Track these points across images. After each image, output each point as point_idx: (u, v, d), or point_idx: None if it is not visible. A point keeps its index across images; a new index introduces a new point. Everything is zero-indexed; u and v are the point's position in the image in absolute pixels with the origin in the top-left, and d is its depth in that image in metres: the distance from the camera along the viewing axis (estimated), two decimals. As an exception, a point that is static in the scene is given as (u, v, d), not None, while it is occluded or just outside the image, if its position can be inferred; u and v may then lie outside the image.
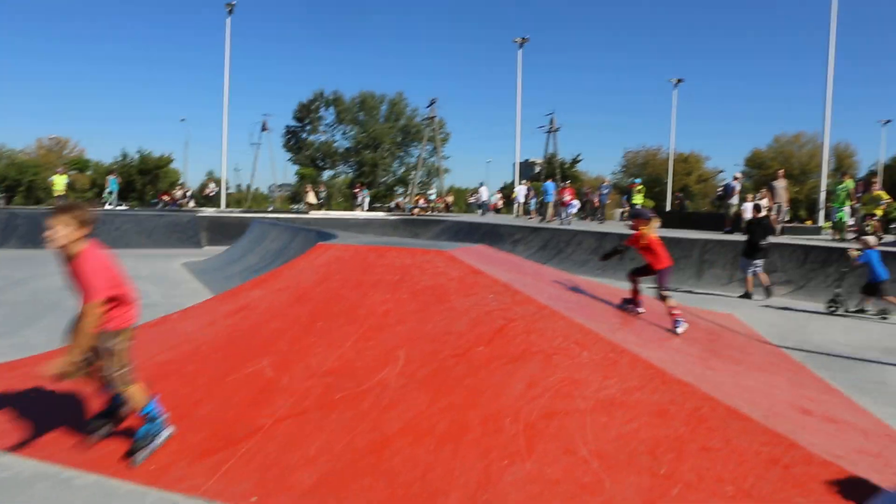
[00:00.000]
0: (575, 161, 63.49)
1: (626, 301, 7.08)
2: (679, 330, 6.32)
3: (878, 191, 16.25)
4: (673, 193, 47.37)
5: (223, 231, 21.58)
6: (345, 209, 41.80)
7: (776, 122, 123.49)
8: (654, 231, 6.91)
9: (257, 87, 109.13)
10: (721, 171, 72.11)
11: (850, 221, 16.37)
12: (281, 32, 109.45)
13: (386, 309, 5.53)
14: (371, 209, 39.74)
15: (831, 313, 10.67)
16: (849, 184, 16.53)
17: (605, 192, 27.89)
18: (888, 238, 16.45)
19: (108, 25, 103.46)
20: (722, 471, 3.37)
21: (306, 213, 31.63)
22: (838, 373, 6.43)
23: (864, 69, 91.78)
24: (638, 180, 27.76)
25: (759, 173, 64.48)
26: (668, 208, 42.12)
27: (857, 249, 11.01)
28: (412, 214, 31.47)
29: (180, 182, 53.78)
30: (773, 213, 17.07)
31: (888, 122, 58.90)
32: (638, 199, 24.86)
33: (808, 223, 18.59)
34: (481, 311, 5.29)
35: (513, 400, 4.10)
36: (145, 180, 58.68)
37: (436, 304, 5.53)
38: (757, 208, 18.17)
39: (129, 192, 56.44)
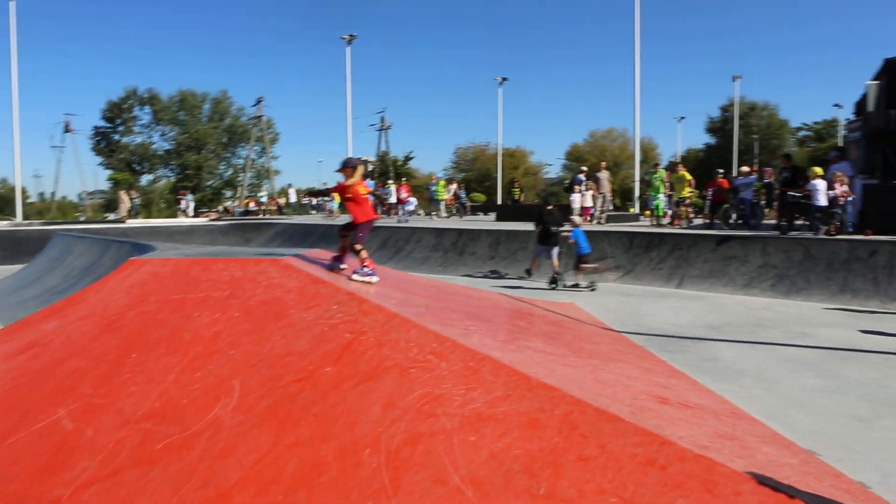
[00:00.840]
0: (408, 158, 63.95)
1: (334, 259, 6.69)
2: (366, 279, 6.12)
3: (682, 171, 17.69)
4: (511, 184, 48.96)
5: (18, 247, 18.85)
6: (168, 216, 38.64)
7: (591, 119, 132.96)
8: (359, 180, 6.47)
9: (56, 85, 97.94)
10: (549, 165, 76.29)
11: (666, 208, 17.64)
12: (78, 28, 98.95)
13: (215, 331, 4.80)
14: (197, 214, 37.08)
15: (553, 289, 11.92)
16: (662, 173, 17.91)
17: (434, 188, 28.12)
18: (697, 222, 17.93)
19: None
20: (602, 480, 3.13)
21: (123, 222, 28.78)
22: (677, 353, 6.65)
23: (662, 70, 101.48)
24: (440, 174, 28.64)
25: (579, 166, 68.90)
26: (499, 201, 43.54)
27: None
28: (248, 217, 29.69)
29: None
30: (600, 202, 18.02)
31: (683, 118, 65.60)
32: (442, 195, 25.72)
33: (632, 210, 19.88)
34: (326, 326, 4.74)
35: (370, 426, 3.61)
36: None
37: (274, 321, 4.89)
38: (546, 201, 19.12)
39: None
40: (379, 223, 21.68)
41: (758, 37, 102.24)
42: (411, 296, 6.32)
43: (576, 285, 12.09)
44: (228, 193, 57.18)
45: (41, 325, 5.18)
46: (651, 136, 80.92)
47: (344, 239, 6.58)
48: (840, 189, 12.44)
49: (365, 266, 6.27)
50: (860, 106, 17.19)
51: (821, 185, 12.70)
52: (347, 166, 6.35)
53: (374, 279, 6.21)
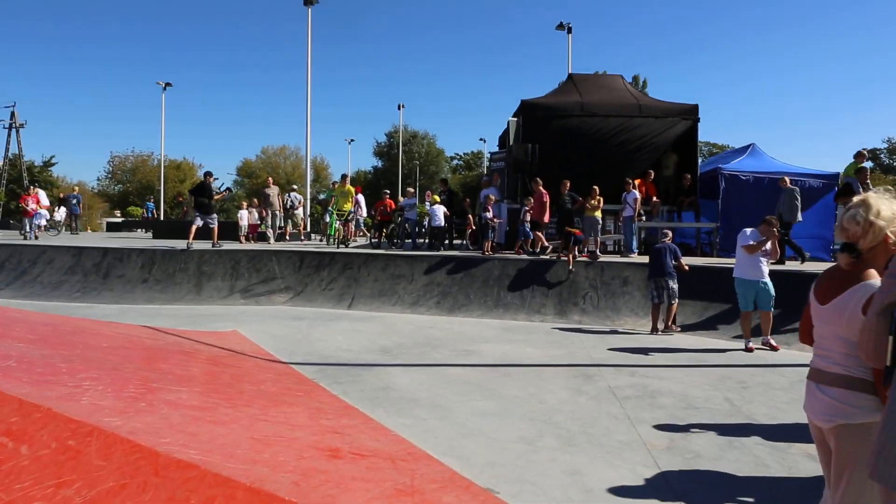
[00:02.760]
0: (48, 164, 54.84)
1: None
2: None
3: (347, 185, 17.10)
4: (174, 199, 44.61)
5: None
6: None
7: (263, 137, 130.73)
8: None
9: None
10: (217, 179, 72.23)
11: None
12: None
13: None
14: None
15: None
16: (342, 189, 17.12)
17: (75, 201, 24.12)
18: (361, 241, 18.07)
19: None
20: None
21: None
22: (349, 385, 6.10)
23: (333, 93, 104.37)
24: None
25: (251, 182, 66.73)
26: (162, 217, 39.48)
27: None
28: None
29: None
30: (268, 219, 16.99)
31: (353, 140, 68.13)
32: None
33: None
34: None
35: None
36: None
37: None
38: (252, 214, 17.95)
39: None
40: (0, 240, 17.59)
41: (420, 75, 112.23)
42: (3, 341, 4.65)
43: None
44: None
45: None
46: (323, 156, 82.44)
47: None
48: (490, 213, 13.52)
49: None
50: (503, 139, 19.30)
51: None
52: None
53: None
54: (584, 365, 7.33)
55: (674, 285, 9.45)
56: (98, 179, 65.21)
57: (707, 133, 71.17)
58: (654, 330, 9.61)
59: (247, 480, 2.87)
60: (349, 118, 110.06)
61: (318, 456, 3.67)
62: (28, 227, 18.87)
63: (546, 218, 13.26)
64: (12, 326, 5.26)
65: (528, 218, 13.31)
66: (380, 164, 70.44)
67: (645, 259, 10.90)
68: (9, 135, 48.13)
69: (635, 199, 13.26)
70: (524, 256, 12.75)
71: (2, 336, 4.78)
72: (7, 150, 48.37)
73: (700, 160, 16.95)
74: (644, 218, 14.05)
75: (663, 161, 15.21)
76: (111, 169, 65.94)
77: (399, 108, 55.84)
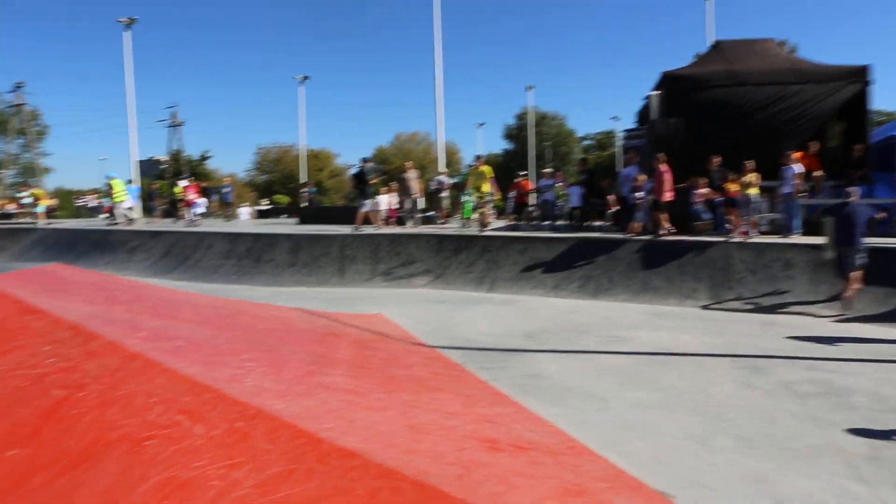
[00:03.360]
0: (204, 158, 59.45)
1: None
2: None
3: (482, 166, 16.63)
4: (302, 187, 46.79)
5: None
6: None
7: (395, 123, 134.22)
8: None
9: None
10: (352, 166, 75.01)
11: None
12: None
13: None
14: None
15: None
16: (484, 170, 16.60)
17: (226, 190, 25.84)
18: (498, 223, 17.83)
19: None
20: None
21: None
22: (498, 371, 5.93)
23: (464, 77, 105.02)
24: (112, 175, 25.59)
25: (385, 167, 68.80)
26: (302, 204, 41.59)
27: None
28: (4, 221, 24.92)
29: None
30: (409, 204, 17.17)
31: (483, 124, 68.10)
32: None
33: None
34: (25, 379, 3.26)
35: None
36: None
37: (-58, 376, 3.30)
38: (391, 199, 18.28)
39: None
40: (164, 228, 19.21)
41: (547, 53, 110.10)
42: (173, 322, 4.89)
43: None
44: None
45: None
46: (454, 141, 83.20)
47: None
48: (641, 193, 12.75)
49: None
50: (642, 115, 18.33)
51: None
52: None
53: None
54: (751, 356, 6.67)
55: (862, 258, 8.53)
56: (246, 171, 69.94)
57: (882, 101, 64.37)
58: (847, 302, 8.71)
59: (409, 472, 2.74)
60: (477, 102, 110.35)
61: (478, 447, 3.51)
62: (190, 216, 20.45)
63: (667, 197, 12.38)
64: (180, 308, 5.56)
65: (643, 197, 12.51)
66: (510, 146, 69.95)
67: (809, 240, 9.85)
68: (170, 133, 52.58)
69: (795, 174, 12.02)
70: (669, 238, 11.97)
71: (172, 317, 5.04)
72: (169, 146, 52.86)
73: (872, 129, 15.13)
74: (807, 194, 12.73)
75: (827, 131, 13.67)
76: (257, 160, 70.48)
77: (528, 90, 55.00)
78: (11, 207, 33.04)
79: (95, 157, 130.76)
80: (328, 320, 7.37)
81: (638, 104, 18.17)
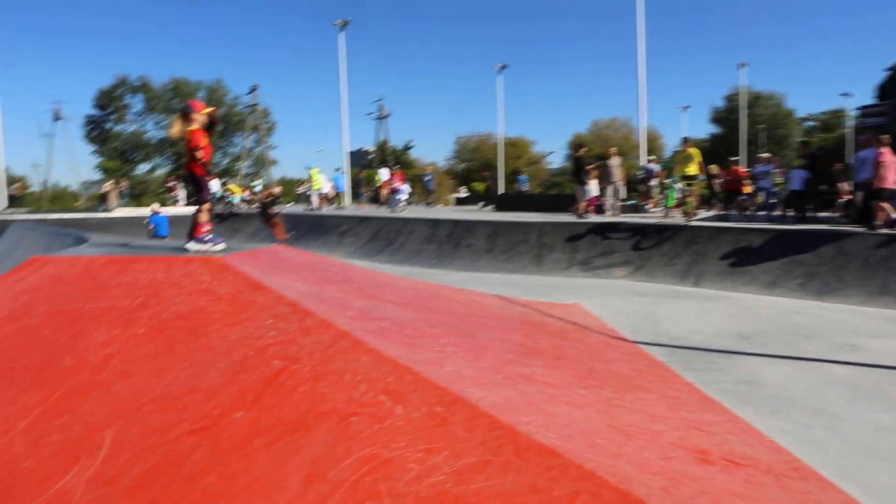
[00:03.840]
0: (407, 147, 62.59)
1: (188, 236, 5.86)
2: (208, 248, 5.56)
3: (690, 148, 14.63)
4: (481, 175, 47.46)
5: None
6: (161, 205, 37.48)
7: (591, 109, 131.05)
8: (197, 127, 5.55)
9: (43, 73, 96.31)
10: (552, 153, 74.92)
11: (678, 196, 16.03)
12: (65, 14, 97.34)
13: (106, 355, 3.63)
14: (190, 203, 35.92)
15: None
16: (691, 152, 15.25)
17: (428, 178, 26.98)
18: (706, 213, 16.59)
19: None
20: None
21: (110, 211, 27.74)
22: (706, 373, 5.45)
23: (665, 59, 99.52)
24: (310, 165, 28.04)
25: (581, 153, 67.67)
26: (501, 191, 42.23)
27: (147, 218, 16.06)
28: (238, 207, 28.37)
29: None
30: (611, 192, 16.58)
31: (688, 107, 64.05)
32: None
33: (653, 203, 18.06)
34: (250, 349, 3.57)
35: (279, 514, 2.44)
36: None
37: (186, 342, 3.72)
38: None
39: None
40: (369, 213, 20.57)
41: (761, 28, 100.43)
42: (378, 303, 5.12)
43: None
44: (222, 182, 55.86)
45: None
46: (655, 126, 79.11)
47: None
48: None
49: (205, 234, 5.66)
50: (885, 89, 15.97)
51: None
52: (187, 112, 5.55)
53: (220, 246, 5.59)
54: None
55: None
56: (445, 159, 72.60)
57: None
58: None
59: (612, 478, 2.55)
60: (681, 83, 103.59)
61: (686, 457, 3.21)
62: (393, 203, 21.65)
63: (889, 183, 10.53)
64: (385, 290, 5.81)
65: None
66: (718, 130, 64.96)
67: None
68: (377, 125, 56.13)
69: None
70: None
71: (377, 298, 5.29)
72: (376, 137, 56.42)
73: None
74: None
75: None
76: (457, 149, 72.77)
77: (740, 68, 50.63)
78: (247, 195, 37.40)
79: (313, 148, 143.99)
80: (526, 308, 7.32)
81: (878, 76, 15.84)
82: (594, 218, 15.31)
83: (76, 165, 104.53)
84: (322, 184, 24.14)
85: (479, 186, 51.25)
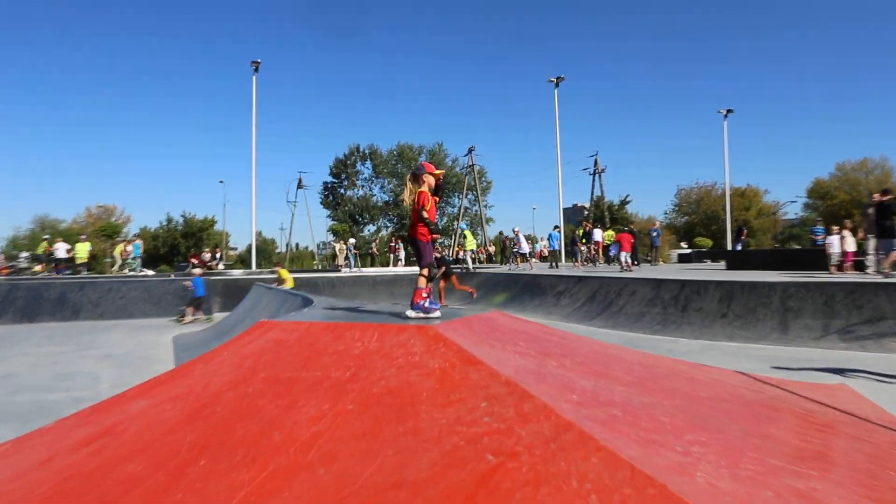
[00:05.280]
0: (624, 202, 60.99)
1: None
2: (425, 315, 5.28)
3: None
4: (734, 225, 43.77)
5: (239, 295, 19.93)
6: (382, 264, 40.22)
7: (832, 153, 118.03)
8: (426, 189, 5.45)
9: (290, 144, 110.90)
10: (788, 202, 68.35)
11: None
12: (307, 91, 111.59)
13: (315, 433, 3.47)
14: (410, 264, 38.04)
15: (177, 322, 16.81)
16: None
17: (655, 234, 25.55)
18: None
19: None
20: None
21: (339, 271, 30.20)
22: None
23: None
24: (463, 225, 29.02)
25: (825, 204, 60.61)
26: (728, 246, 38.95)
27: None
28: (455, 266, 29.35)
29: (217, 244, 53.41)
30: (871, 246, 14.25)
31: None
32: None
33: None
34: (462, 437, 3.17)
35: None
36: (189, 243, 58.94)
37: (394, 423, 3.44)
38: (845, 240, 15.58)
39: (174, 256, 56.69)
40: (588, 273, 19.87)
41: None
42: (606, 382, 4.50)
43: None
44: (441, 242, 58.68)
45: (129, 404, 4.26)
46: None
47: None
48: None
49: (424, 300, 5.38)
50: None
51: None
52: (418, 173, 5.49)
53: (437, 313, 5.31)
54: None
55: None
56: (665, 213, 69.21)
57: None
58: None
59: None
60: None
61: None
62: (623, 260, 20.84)
63: None
64: (611, 365, 5.17)
65: None
66: None
67: None
68: (593, 180, 55.43)
69: None
70: None
71: (604, 376, 4.67)
72: (592, 193, 55.70)
73: None
74: None
75: None
76: (677, 202, 69.09)
77: None
78: (461, 254, 38.60)
79: (528, 206, 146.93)
80: (778, 390, 6.18)
81: None
82: (857, 276, 13.16)
83: (312, 229, 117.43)
84: (473, 244, 27.49)
85: (705, 242, 47.97)
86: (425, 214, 5.34)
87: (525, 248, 27.08)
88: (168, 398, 4.23)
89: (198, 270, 19.07)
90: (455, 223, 56.16)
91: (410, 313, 5.38)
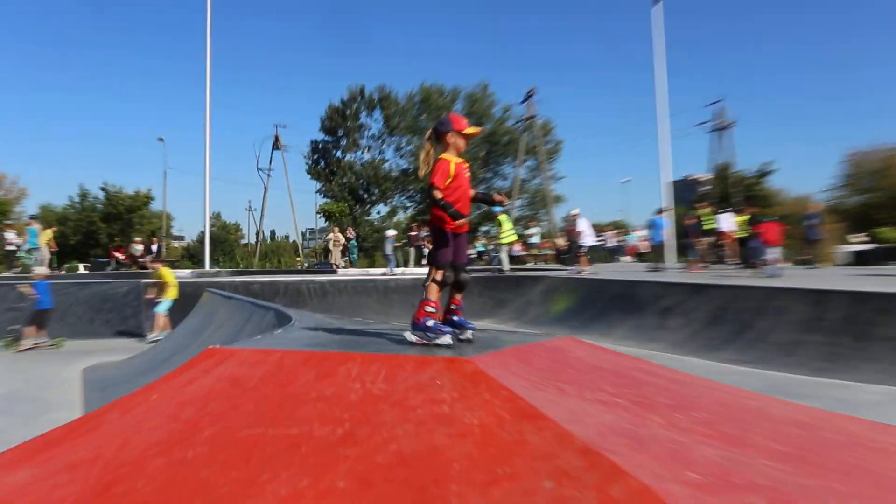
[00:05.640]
0: (763, 174, 60.40)
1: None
2: (430, 341, 5.30)
3: None
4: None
5: (183, 307, 20.11)
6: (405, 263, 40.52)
7: None
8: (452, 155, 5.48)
9: (266, 81, 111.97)
10: None
11: None
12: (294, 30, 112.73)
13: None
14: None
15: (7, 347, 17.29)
16: None
17: (814, 220, 25.17)
18: None
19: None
20: None
21: (334, 270, 30.58)
22: None
23: None
24: (497, 208, 28.38)
25: None
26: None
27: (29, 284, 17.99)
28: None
29: (154, 231, 54.28)
30: None
31: None
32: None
33: None
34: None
35: None
36: (113, 230, 59.86)
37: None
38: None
39: (89, 248, 57.78)
40: (710, 280, 19.62)
41: None
42: (742, 453, 4.33)
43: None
44: (484, 229, 58.75)
45: (5, 475, 4.23)
46: None
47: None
48: None
49: (427, 317, 5.35)
50: None
51: None
52: (442, 130, 5.49)
53: (444, 339, 5.22)
54: None
55: None
56: (826, 190, 67.74)
57: None
58: None
59: None
60: None
61: None
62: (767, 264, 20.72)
63: None
64: (751, 425, 5.00)
65: None
66: None
67: None
68: (713, 141, 54.78)
69: None
70: None
71: (739, 443, 4.50)
72: (712, 160, 55.03)
73: None
74: None
75: None
76: (847, 173, 67.15)
77: None
78: (519, 249, 38.66)
79: (616, 178, 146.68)
80: None
81: None
82: None
83: (294, 208, 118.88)
84: (513, 237, 27.21)
85: (890, 232, 47.23)
86: (438, 195, 5.24)
87: (589, 239, 26.58)
88: (64, 466, 4.19)
89: (42, 271, 20.49)
90: (508, 202, 56.30)
91: (410, 336, 5.35)
